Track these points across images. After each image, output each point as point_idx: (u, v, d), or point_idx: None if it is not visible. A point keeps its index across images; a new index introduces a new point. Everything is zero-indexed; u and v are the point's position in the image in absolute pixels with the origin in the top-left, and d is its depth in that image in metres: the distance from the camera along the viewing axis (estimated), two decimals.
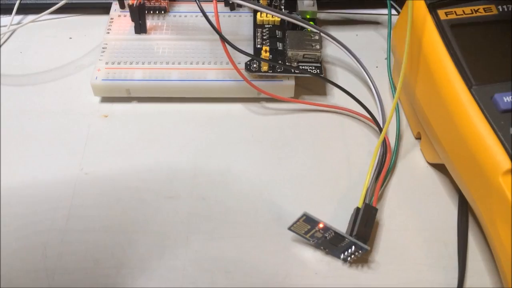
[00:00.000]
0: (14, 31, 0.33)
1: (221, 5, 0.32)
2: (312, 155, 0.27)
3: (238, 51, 0.27)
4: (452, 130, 0.22)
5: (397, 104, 0.28)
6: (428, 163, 0.27)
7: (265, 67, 0.28)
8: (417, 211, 0.25)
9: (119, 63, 0.29)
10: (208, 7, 0.27)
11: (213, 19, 0.26)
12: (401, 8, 0.30)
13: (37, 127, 0.28)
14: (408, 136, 0.28)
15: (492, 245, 0.21)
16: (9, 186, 0.25)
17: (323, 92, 0.29)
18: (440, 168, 0.26)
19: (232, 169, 0.26)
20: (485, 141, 0.21)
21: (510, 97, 0.21)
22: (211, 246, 0.24)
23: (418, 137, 0.28)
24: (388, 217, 0.25)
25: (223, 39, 0.26)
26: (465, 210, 0.24)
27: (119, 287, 0.22)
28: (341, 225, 0.23)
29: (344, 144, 0.27)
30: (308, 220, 0.22)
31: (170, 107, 0.29)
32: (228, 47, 0.26)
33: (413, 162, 0.27)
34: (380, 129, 0.27)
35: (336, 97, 0.29)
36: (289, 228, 0.23)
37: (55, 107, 0.29)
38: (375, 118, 0.27)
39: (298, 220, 0.22)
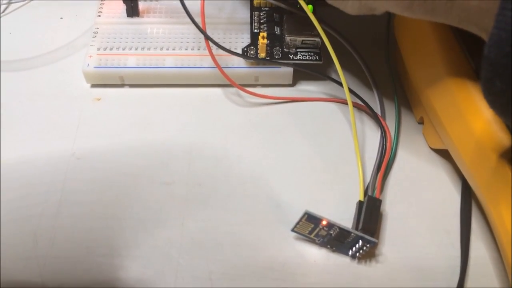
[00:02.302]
0: (4, 10, 0.32)
1: None
2: (311, 142, 0.26)
3: (227, 51, 0.26)
4: (457, 114, 0.22)
5: (396, 92, 0.27)
6: (431, 148, 0.26)
7: (262, 54, 0.27)
8: (419, 198, 0.24)
9: (111, 49, 0.28)
10: None
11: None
12: None
13: (29, 111, 0.27)
14: (410, 121, 0.27)
15: (496, 232, 0.21)
16: (0, 171, 0.25)
17: (323, 78, 0.29)
18: (443, 154, 0.25)
19: (228, 155, 0.26)
20: (491, 125, 0.20)
21: None
22: (207, 233, 0.23)
23: (421, 122, 0.27)
24: (390, 205, 0.24)
25: (207, 37, 0.25)
26: (468, 197, 0.24)
27: (112, 275, 0.22)
28: (342, 216, 0.23)
29: (343, 132, 0.27)
30: (311, 218, 0.21)
31: (165, 90, 0.28)
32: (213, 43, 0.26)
33: (415, 147, 0.26)
34: (376, 116, 0.26)
35: (336, 84, 0.28)
36: (293, 230, 0.22)
37: (46, 90, 0.28)
38: (370, 106, 0.27)
39: (300, 220, 0.21)
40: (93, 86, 0.28)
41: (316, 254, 0.23)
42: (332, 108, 0.28)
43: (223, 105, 0.28)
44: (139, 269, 0.22)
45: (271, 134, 0.27)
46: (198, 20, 0.25)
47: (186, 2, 0.25)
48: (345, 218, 0.23)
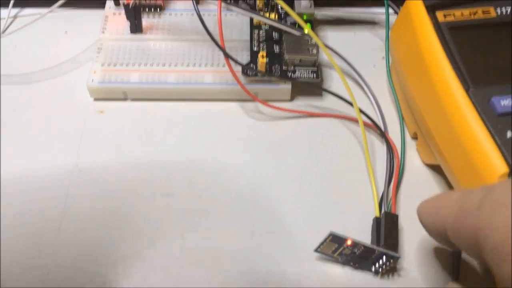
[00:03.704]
0: (10, 24, 0.33)
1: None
2: (309, 155, 0.27)
3: (237, 63, 0.27)
4: (449, 132, 0.22)
5: (399, 105, 0.28)
6: (424, 163, 0.27)
7: (261, 71, 0.28)
8: (413, 211, 0.25)
9: (115, 65, 0.29)
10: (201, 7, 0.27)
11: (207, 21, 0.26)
12: (398, 7, 0.30)
13: (33, 123, 0.28)
14: (404, 136, 0.28)
15: None
16: (4, 183, 0.25)
17: (319, 93, 0.29)
18: (436, 168, 0.26)
19: (228, 167, 0.26)
20: (482, 144, 0.21)
21: (508, 100, 0.22)
22: (207, 243, 0.24)
23: (415, 137, 0.28)
24: (403, 218, 0.25)
25: (227, 55, 0.26)
26: None
27: (113, 286, 0.22)
28: (345, 228, 0.23)
29: (342, 145, 0.27)
30: (335, 239, 0.22)
31: (167, 104, 0.29)
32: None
33: (409, 162, 0.27)
34: (382, 133, 0.27)
35: (333, 99, 0.29)
36: (316, 250, 0.23)
37: (51, 103, 0.29)
38: (376, 123, 0.27)
39: (325, 241, 0.22)
40: (96, 99, 0.29)
41: (311, 266, 0.23)
42: (331, 122, 0.28)
43: (223, 119, 0.28)
44: (140, 280, 0.23)
45: (271, 147, 0.27)
46: (204, 38, 0.26)
47: (190, 19, 0.26)
48: (349, 230, 0.23)
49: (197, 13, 0.26)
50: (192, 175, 0.26)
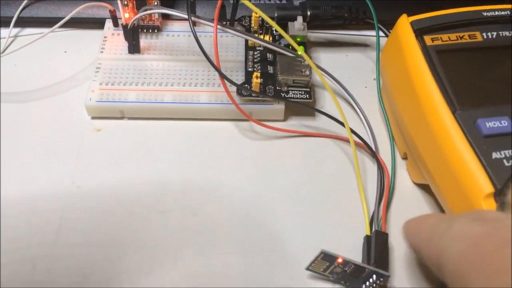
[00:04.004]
0: (11, 43, 0.34)
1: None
2: (302, 174, 0.28)
3: (232, 83, 0.28)
4: (437, 153, 0.23)
5: (389, 126, 0.29)
6: (414, 183, 0.27)
7: (256, 92, 0.28)
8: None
9: (112, 84, 0.29)
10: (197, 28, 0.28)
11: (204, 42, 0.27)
12: (389, 31, 0.31)
13: (31, 140, 0.28)
14: (395, 156, 0.29)
15: None
16: (1, 198, 0.26)
17: (312, 113, 0.30)
18: (425, 188, 0.27)
19: (222, 185, 0.27)
20: (468, 165, 0.21)
21: (493, 122, 0.22)
22: (200, 261, 0.24)
23: (405, 157, 0.28)
24: (393, 237, 0.25)
25: (222, 75, 0.27)
26: None
27: None
28: (337, 246, 0.24)
29: (334, 164, 0.28)
30: (326, 257, 0.22)
31: (163, 123, 0.29)
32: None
33: (399, 181, 0.27)
34: (373, 153, 0.28)
35: (326, 119, 0.30)
36: (307, 268, 0.23)
37: (49, 121, 0.29)
38: (367, 144, 0.28)
39: (316, 259, 0.22)
40: (94, 117, 0.30)
41: (303, 284, 0.24)
42: (324, 142, 0.29)
43: (218, 138, 0.29)
44: None
45: (265, 165, 0.28)
46: (200, 58, 0.27)
47: (187, 40, 0.27)
48: (340, 248, 0.24)
49: (193, 34, 0.27)
50: (187, 193, 0.27)
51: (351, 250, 0.24)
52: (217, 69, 0.27)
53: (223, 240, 0.25)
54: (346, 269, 0.23)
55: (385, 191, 0.26)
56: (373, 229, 0.25)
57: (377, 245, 0.24)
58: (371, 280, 0.23)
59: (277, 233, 0.25)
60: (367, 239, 0.24)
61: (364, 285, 0.23)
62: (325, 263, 0.22)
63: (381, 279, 0.22)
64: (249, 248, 0.25)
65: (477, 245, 0.16)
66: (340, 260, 0.22)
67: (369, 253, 0.23)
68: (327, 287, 0.24)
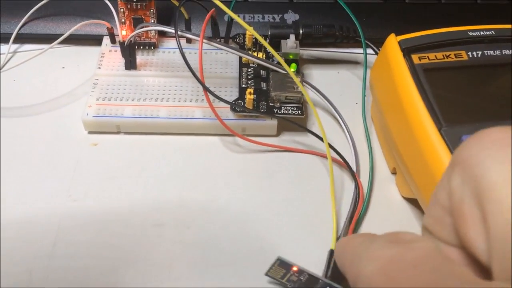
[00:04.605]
0: (10, 59, 0.34)
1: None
2: (294, 189, 0.28)
3: (221, 100, 0.28)
4: (423, 168, 0.24)
5: (371, 146, 0.30)
6: (403, 197, 0.28)
7: (249, 108, 0.29)
8: None
9: (109, 100, 0.30)
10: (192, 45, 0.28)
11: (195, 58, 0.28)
12: (378, 49, 0.32)
13: (28, 154, 0.29)
14: (384, 171, 0.29)
15: None
16: None
17: (304, 130, 0.31)
18: (414, 202, 0.27)
19: (216, 199, 0.27)
20: None
21: None
22: (194, 274, 0.25)
23: (394, 172, 0.29)
24: None
25: (205, 88, 0.27)
26: None
27: None
28: (317, 261, 0.24)
29: (321, 182, 0.29)
30: (282, 264, 0.23)
31: (158, 138, 0.30)
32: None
33: (389, 196, 0.28)
34: (352, 172, 0.28)
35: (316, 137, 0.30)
36: (266, 274, 0.23)
37: (47, 136, 0.30)
38: (347, 162, 0.29)
39: (273, 265, 0.23)
40: (91, 132, 0.30)
41: None
42: (313, 159, 0.30)
43: (212, 152, 0.30)
44: None
45: (256, 180, 0.28)
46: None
47: (179, 57, 0.28)
48: (320, 263, 0.25)
49: (179, 50, 0.28)
50: (181, 207, 0.27)
51: (319, 263, 0.25)
52: (201, 82, 0.27)
53: (216, 253, 0.25)
54: (302, 278, 0.23)
55: (357, 209, 0.27)
56: None
57: None
58: None
59: (268, 246, 0.26)
60: (330, 253, 0.25)
61: None
62: (282, 270, 0.23)
63: None
64: (241, 260, 0.25)
65: (385, 267, 0.16)
66: (295, 268, 0.23)
67: (328, 266, 0.24)
68: None
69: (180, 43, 0.28)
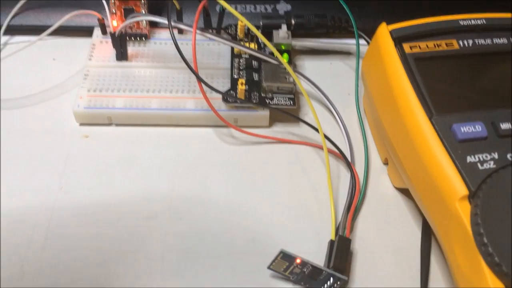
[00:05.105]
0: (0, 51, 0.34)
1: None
2: (288, 180, 0.28)
3: (214, 90, 0.28)
4: (414, 157, 0.24)
5: (365, 136, 0.30)
6: (395, 187, 0.28)
7: (241, 98, 0.29)
8: (384, 234, 0.26)
9: (100, 91, 0.30)
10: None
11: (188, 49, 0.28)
12: (370, 39, 0.32)
13: (19, 147, 0.29)
14: (376, 161, 0.29)
15: (450, 267, 0.23)
16: None
17: (296, 120, 0.31)
18: (406, 192, 0.27)
19: (208, 191, 0.27)
20: (444, 168, 0.22)
21: (467, 127, 0.23)
22: (186, 266, 0.25)
23: (386, 163, 0.29)
24: (358, 242, 0.26)
25: (199, 78, 0.27)
26: (428, 233, 0.26)
27: None
28: (316, 251, 0.25)
29: (317, 172, 0.29)
30: (285, 257, 0.23)
31: (150, 129, 0.30)
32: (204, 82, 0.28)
33: (381, 186, 0.28)
34: (348, 162, 0.28)
35: (308, 127, 0.30)
36: (269, 267, 0.23)
37: (38, 128, 0.30)
38: (343, 153, 0.29)
39: (276, 258, 0.23)
40: (82, 124, 0.30)
41: (264, 283, 0.24)
42: (307, 149, 0.30)
43: (204, 144, 0.30)
44: None
45: (249, 172, 0.28)
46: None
47: (174, 48, 0.28)
48: (320, 253, 0.25)
49: (173, 40, 0.27)
50: (173, 198, 0.27)
51: (318, 253, 0.25)
52: (195, 72, 0.27)
53: (208, 244, 0.25)
54: (305, 270, 0.23)
55: (354, 198, 0.27)
56: (338, 235, 0.25)
57: (338, 249, 0.24)
58: (329, 282, 0.23)
59: (262, 237, 0.26)
60: (331, 243, 0.25)
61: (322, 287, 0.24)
62: (284, 263, 0.23)
63: (338, 282, 0.23)
64: (234, 252, 0.25)
65: None
66: (298, 260, 0.23)
67: (330, 256, 0.24)
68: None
69: (173, 33, 0.28)
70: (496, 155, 0.22)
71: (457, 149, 0.22)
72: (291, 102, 0.29)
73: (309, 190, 0.28)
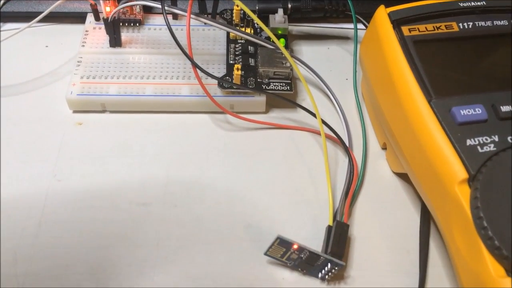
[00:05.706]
0: None
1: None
2: (285, 166, 0.28)
3: (209, 76, 0.28)
4: (413, 141, 0.23)
5: (363, 120, 0.29)
6: (393, 172, 0.28)
7: (237, 84, 0.29)
8: (383, 219, 0.26)
9: (94, 78, 0.29)
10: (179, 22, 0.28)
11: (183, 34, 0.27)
12: (368, 22, 0.31)
13: (12, 135, 0.28)
14: (374, 146, 0.29)
15: (450, 252, 0.22)
16: None
17: (293, 105, 0.30)
18: (404, 177, 0.27)
19: (204, 178, 0.27)
20: (443, 152, 0.22)
21: (467, 110, 0.23)
22: (181, 252, 0.24)
23: (384, 147, 0.29)
24: (357, 228, 0.26)
25: (194, 64, 0.27)
26: (427, 218, 0.26)
27: None
28: (313, 237, 0.24)
29: (314, 158, 0.28)
30: (282, 243, 0.22)
31: (144, 116, 0.30)
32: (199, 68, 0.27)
33: (379, 171, 0.28)
34: (345, 147, 0.28)
35: (305, 113, 0.30)
36: (266, 253, 0.23)
37: (31, 115, 0.29)
38: (341, 138, 0.28)
39: (272, 244, 0.23)
40: (75, 111, 0.30)
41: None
42: (304, 135, 0.29)
43: (199, 130, 0.29)
44: (116, 286, 0.23)
45: (245, 158, 0.28)
46: (181, 51, 0.27)
47: (168, 34, 0.27)
48: (316, 239, 0.25)
49: (167, 26, 0.27)
50: (168, 185, 0.27)
51: (315, 239, 0.25)
52: (190, 58, 0.27)
53: (204, 231, 0.25)
54: (302, 255, 0.23)
55: (352, 184, 0.26)
56: (336, 220, 0.25)
57: (336, 235, 0.24)
58: (326, 268, 0.23)
59: (257, 223, 0.25)
60: (328, 229, 0.24)
61: (320, 273, 0.23)
62: (281, 249, 0.23)
63: (336, 268, 0.23)
64: (230, 238, 0.25)
65: None
66: (295, 246, 0.22)
67: (328, 242, 0.24)
68: (284, 273, 0.24)
69: (167, 18, 0.27)
70: (496, 138, 0.22)
71: (457, 132, 0.22)
72: (288, 88, 0.29)
73: (307, 176, 0.27)
